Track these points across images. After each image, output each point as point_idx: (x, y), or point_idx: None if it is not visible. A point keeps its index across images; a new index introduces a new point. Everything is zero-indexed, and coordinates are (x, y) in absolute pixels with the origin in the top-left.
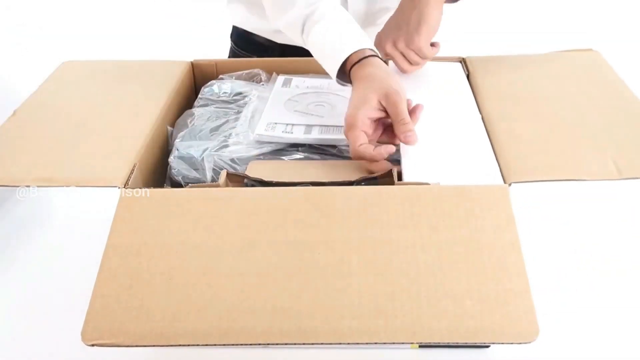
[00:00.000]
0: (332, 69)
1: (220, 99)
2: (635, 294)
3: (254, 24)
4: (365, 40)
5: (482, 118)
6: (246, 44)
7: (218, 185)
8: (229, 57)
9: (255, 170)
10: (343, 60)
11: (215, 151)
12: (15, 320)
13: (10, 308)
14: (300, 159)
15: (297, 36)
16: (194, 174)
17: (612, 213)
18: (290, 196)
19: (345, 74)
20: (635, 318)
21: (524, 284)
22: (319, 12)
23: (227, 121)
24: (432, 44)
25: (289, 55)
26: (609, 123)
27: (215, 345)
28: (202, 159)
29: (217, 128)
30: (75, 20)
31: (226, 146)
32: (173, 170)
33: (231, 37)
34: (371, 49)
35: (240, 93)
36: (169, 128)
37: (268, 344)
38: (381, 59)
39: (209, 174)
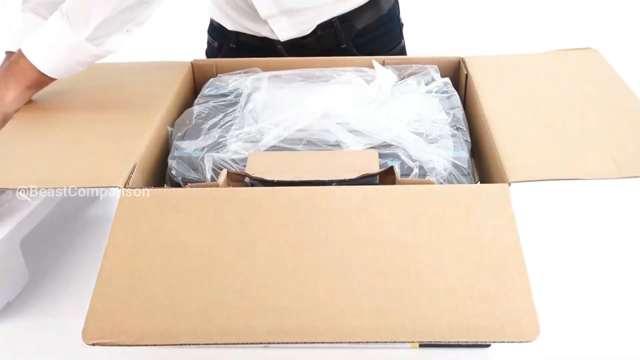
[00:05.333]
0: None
1: (219, 98)
2: (635, 294)
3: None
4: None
5: (483, 117)
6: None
7: (218, 185)
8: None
9: (255, 165)
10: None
11: (214, 150)
12: (15, 320)
13: (9, 308)
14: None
15: None
16: (193, 174)
17: (611, 212)
18: (291, 196)
19: None
20: (635, 318)
21: (524, 283)
22: None
23: (226, 120)
24: None
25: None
26: (609, 122)
27: (215, 344)
28: (202, 158)
29: (215, 125)
30: None
31: (225, 145)
32: (172, 172)
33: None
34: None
35: (239, 92)
36: (169, 128)
37: (268, 344)
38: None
39: (208, 174)
